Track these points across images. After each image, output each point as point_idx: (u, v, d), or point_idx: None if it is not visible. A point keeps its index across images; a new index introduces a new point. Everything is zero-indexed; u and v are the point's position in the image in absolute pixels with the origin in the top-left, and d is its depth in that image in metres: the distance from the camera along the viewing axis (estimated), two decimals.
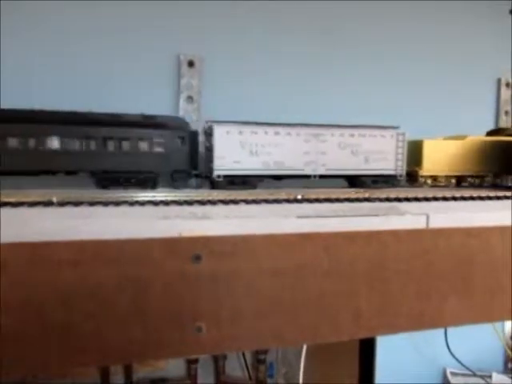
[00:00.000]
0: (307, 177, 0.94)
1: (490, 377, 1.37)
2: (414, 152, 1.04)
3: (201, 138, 0.94)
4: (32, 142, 0.81)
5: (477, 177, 1.07)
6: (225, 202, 0.75)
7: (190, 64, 1.13)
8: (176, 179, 0.90)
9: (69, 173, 0.85)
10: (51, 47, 1.05)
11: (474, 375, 1.35)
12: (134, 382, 1.19)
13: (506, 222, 0.69)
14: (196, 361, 1.20)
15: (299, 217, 0.61)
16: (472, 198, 0.89)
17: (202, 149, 0.95)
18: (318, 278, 0.60)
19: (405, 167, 0.99)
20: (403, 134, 0.98)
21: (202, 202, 0.74)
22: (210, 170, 0.89)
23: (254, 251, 0.58)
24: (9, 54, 1.00)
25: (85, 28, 1.06)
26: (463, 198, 0.88)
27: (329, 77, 1.25)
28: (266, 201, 0.77)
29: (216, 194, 0.80)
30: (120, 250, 0.53)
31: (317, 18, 1.24)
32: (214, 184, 0.91)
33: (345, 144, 0.96)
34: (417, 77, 1.33)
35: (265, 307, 0.59)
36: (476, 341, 1.36)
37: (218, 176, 0.89)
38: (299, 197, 0.81)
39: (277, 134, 0.92)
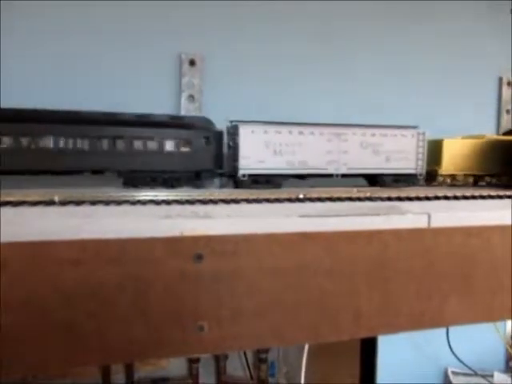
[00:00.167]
0: (329, 176, 0.96)
1: (492, 376, 1.36)
2: (434, 151, 1.05)
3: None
4: (62, 143, 0.82)
5: (493, 176, 1.08)
6: (226, 202, 0.75)
7: (192, 63, 1.13)
8: (202, 179, 0.92)
9: (95, 172, 0.86)
10: (52, 47, 1.05)
11: (476, 375, 1.35)
12: (135, 382, 1.19)
13: (508, 221, 0.69)
14: (197, 360, 1.20)
15: (301, 216, 0.61)
16: (473, 197, 0.89)
17: (224, 148, 0.95)
18: (319, 278, 0.60)
19: (425, 166, 1.00)
20: (423, 134, 1.00)
21: (203, 202, 0.74)
22: (235, 169, 0.90)
23: (255, 250, 0.58)
24: (9, 54, 1.00)
25: (85, 28, 1.06)
26: (465, 197, 0.88)
27: (329, 76, 1.25)
28: (268, 200, 0.77)
29: (217, 194, 0.80)
30: (121, 249, 0.53)
31: (317, 17, 1.24)
32: (237, 183, 0.92)
33: (366, 143, 0.97)
34: (417, 76, 1.33)
35: (266, 306, 0.59)
36: (477, 340, 1.36)
37: (243, 175, 0.90)
38: (301, 196, 0.81)
39: (300, 133, 0.93)
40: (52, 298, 0.51)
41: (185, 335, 0.56)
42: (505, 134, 1.15)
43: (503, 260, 0.69)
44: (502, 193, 0.92)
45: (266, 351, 1.22)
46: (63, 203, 0.68)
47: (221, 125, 0.93)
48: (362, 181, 1.02)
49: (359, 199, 0.82)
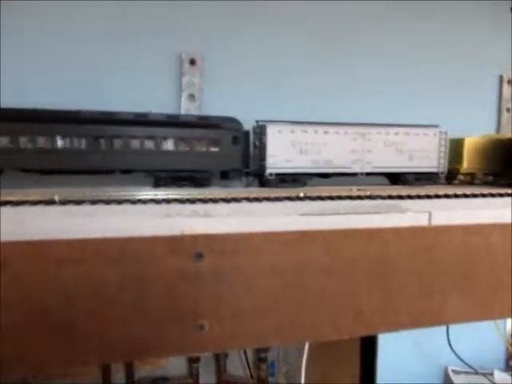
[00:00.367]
0: (354, 175, 0.97)
1: (492, 375, 1.36)
2: (455, 150, 1.06)
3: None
4: (95, 143, 0.85)
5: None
6: (226, 200, 0.75)
7: (192, 62, 1.13)
8: (230, 178, 0.94)
9: (125, 172, 0.88)
10: (52, 47, 1.05)
11: (476, 373, 1.35)
12: (136, 381, 1.19)
13: (508, 220, 0.69)
14: (198, 359, 1.20)
15: (301, 214, 0.61)
16: (474, 196, 0.89)
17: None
18: (319, 276, 0.60)
19: (446, 165, 1.03)
20: (445, 133, 1.02)
21: (203, 200, 0.74)
22: (262, 168, 0.92)
23: (255, 249, 0.58)
24: (9, 54, 1.00)
25: (85, 27, 1.06)
26: (465, 196, 0.88)
27: (329, 75, 1.25)
28: (268, 199, 0.77)
29: (218, 193, 0.80)
30: (122, 248, 0.53)
31: (317, 16, 1.24)
32: (264, 182, 0.94)
33: (389, 142, 0.99)
34: (417, 75, 1.33)
35: (266, 305, 0.59)
36: (478, 339, 1.36)
37: (270, 174, 0.92)
38: (301, 194, 0.81)
39: (326, 133, 0.94)
40: (52, 298, 0.51)
41: (185, 334, 0.56)
42: None
43: (503, 258, 0.69)
44: (502, 191, 0.92)
45: (266, 350, 1.22)
46: (63, 202, 0.68)
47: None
48: (384, 179, 1.04)
49: (359, 198, 0.82)
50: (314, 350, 1.18)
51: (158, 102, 1.06)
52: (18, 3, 1.01)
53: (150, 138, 0.87)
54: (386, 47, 1.30)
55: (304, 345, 1.16)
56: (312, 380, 1.21)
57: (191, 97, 1.14)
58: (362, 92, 1.27)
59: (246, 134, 0.95)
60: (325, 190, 0.85)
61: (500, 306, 0.70)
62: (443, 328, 1.28)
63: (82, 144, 0.84)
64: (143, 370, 1.20)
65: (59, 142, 0.83)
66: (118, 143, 0.85)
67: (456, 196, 0.87)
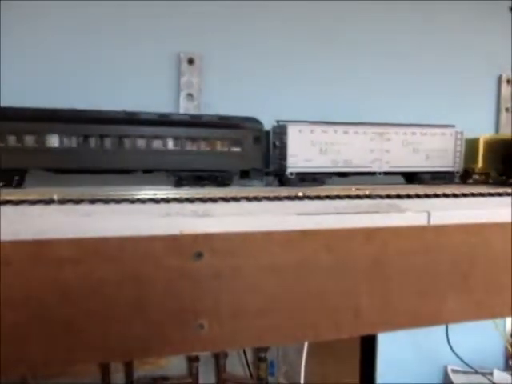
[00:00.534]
0: (372, 174, 0.99)
1: (492, 374, 1.37)
2: (470, 150, 1.07)
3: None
4: (119, 143, 0.86)
5: None
6: (226, 200, 0.75)
7: (190, 62, 1.13)
8: (251, 177, 0.95)
9: (148, 171, 0.90)
10: (50, 46, 1.05)
11: (476, 372, 1.35)
12: (135, 381, 1.19)
13: (507, 219, 0.69)
14: (197, 359, 1.20)
15: (300, 214, 0.61)
16: (473, 195, 0.89)
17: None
18: (318, 275, 0.60)
19: (462, 164, 1.04)
20: (461, 133, 1.04)
21: (203, 200, 0.74)
22: (283, 167, 0.94)
23: (254, 248, 0.58)
24: (9, 54, 1.00)
25: (84, 27, 1.06)
26: (464, 195, 0.88)
27: (329, 75, 1.25)
28: (267, 198, 0.77)
29: (217, 192, 0.80)
30: (121, 247, 0.53)
31: (317, 16, 1.24)
32: (284, 181, 0.95)
33: (407, 142, 1.01)
34: (416, 74, 1.33)
35: (265, 304, 0.59)
36: (477, 338, 1.36)
37: (291, 173, 0.93)
38: (300, 194, 0.81)
39: (345, 132, 0.96)
40: (52, 296, 0.51)
41: (184, 333, 0.56)
42: None
43: (502, 258, 0.69)
44: (501, 190, 0.92)
45: (266, 350, 1.22)
46: (62, 202, 0.68)
47: None
48: (400, 178, 1.06)
49: (358, 197, 0.82)
50: (313, 349, 1.18)
51: (156, 101, 1.06)
52: (18, 3, 1.01)
53: (173, 138, 0.88)
54: (384, 47, 1.30)
55: (303, 344, 1.16)
56: (312, 380, 1.21)
57: (190, 96, 1.14)
58: (362, 92, 1.27)
59: (267, 133, 0.96)
60: (324, 190, 0.85)
61: (499, 306, 0.70)
62: (443, 328, 1.29)
63: (107, 144, 0.85)
64: (142, 370, 1.20)
65: (87, 142, 0.84)
66: (141, 143, 0.87)
67: (455, 196, 0.87)
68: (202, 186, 0.90)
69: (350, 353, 1.26)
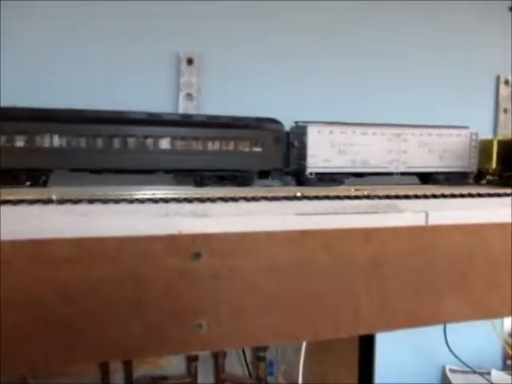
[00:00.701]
0: (389, 174, 1.01)
1: (489, 374, 1.37)
2: (484, 150, 1.08)
3: None
4: (145, 143, 0.88)
5: None
6: (224, 200, 0.75)
7: (189, 62, 1.13)
8: (272, 178, 0.97)
9: (170, 171, 0.92)
10: (51, 46, 1.05)
11: (474, 372, 1.35)
12: (134, 381, 1.19)
13: (506, 220, 0.69)
14: (196, 359, 1.20)
15: (298, 214, 0.62)
16: (471, 196, 0.89)
17: None
18: (316, 275, 0.60)
19: (476, 165, 1.06)
20: (476, 134, 1.06)
21: (201, 200, 0.74)
22: (302, 167, 0.95)
23: (253, 248, 0.58)
24: (9, 54, 1.00)
25: (84, 27, 1.06)
26: (462, 196, 0.88)
27: (328, 74, 1.25)
28: (266, 198, 0.77)
29: (215, 192, 0.80)
30: (120, 247, 0.53)
31: (317, 15, 1.24)
32: (303, 181, 0.97)
33: (423, 143, 1.03)
34: (415, 74, 1.33)
35: (264, 304, 0.59)
36: (475, 338, 1.37)
37: (310, 173, 0.95)
38: (298, 194, 0.81)
39: (363, 133, 0.98)
40: (51, 296, 0.51)
41: (183, 333, 0.56)
42: None
43: (500, 258, 0.69)
44: (500, 191, 0.93)
45: (265, 350, 1.23)
46: (61, 202, 0.68)
47: None
48: (414, 179, 1.08)
49: (357, 197, 0.82)
50: (312, 349, 1.18)
51: (155, 101, 1.06)
52: (18, 3, 1.01)
53: (196, 138, 0.90)
54: (383, 46, 1.30)
55: (301, 344, 1.16)
56: (310, 379, 1.21)
57: (189, 96, 1.14)
58: (361, 91, 1.27)
59: (287, 134, 0.98)
60: (323, 190, 0.85)
61: (497, 306, 0.71)
62: (441, 327, 1.29)
63: (131, 145, 0.87)
64: (142, 370, 1.20)
65: (112, 143, 0.86)
66: (164, 144, 0.88)
67: (453, 196, 0.87)
68: (224, 185, 0.91)
69: (348, 353, 1.26)
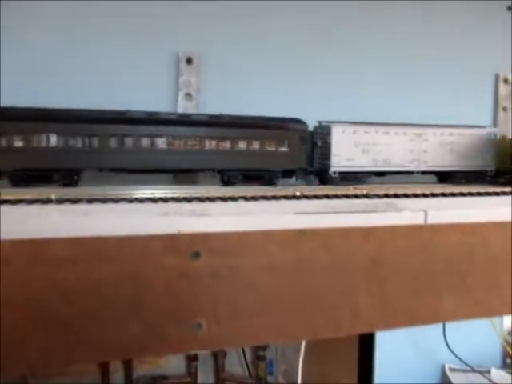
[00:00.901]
0: (409, 173, 1.03)
1: (489, 372, 1.37)
2: (503, 149, 1.09)
3: None
4: (176, 143, 0.90)
5: None
6: (223, 199, 0.75)
7: (189, 61, 1.13)
8: (297, 177, 0.99)
9: (199, 171, 0.95)
10: (50, 46, 1.05)
11: (473, 371, 1.35)
12: (134, 381, 1.19)
13: (505, 218, 0.69)
14: (196, 358, 1.20)
15: (297, 213, 0.62)
16: (471, 194, 0.89)
17: None
18: (316, 274, 0.60)
19: (494, 164, 1.08)
20: (495, 134, 1.08)
21: (200, 199, 0.74)
22: (326, 166, 0.98)
23: (252, 248, 0.58)
24: (8, 54, 1.00)
25: (84, 27, 1.06)
26: (462, 194, 0.88)
27: (328, 74, 1.25)
28: (265, 197, 0.77)
29: (215, 192, 0.80)
30: (119, 246, 0.53)
31: (317, 15, 1.24)
32: (327, 180, 0.99)
33: (444, 142, 1.05)
34: (414, 74, 1.33)
35: (263, 303, 0.59)
36: (475, 337, 1.37)
37: (334, 172, 0.96)
38: (297, 193, 0.81)
39: (386, 133, 1.00)
40: (51, 296, 0.51)
41: (182, 332, 0.56)
42: None
43: (500, 257, 0.69)
44: (499, 189, 0.93)
45: (264, 349, 1.23)
46: (60, 201, 0.68)
47: None
48: (433, 178, 1.10)
49: (356, 196, 0.82)
50: (312, 348, 1.18)
51: (154, 100, 1.06)
52: (18, 3, 1.01)
53: (224, 138, 0.91)
54: (382, 45, 1.30)
55: (301, 343, 1.16)
56: (310, 379, 1.22)
57: (188, 96, 1.14)
58: (361, 91, 1.27)
59: (312, 134, 1.00)
60: (321, 189, 0.85)
61: (496, 305, 0.71)
62: (440, 326, 1.29)
63: (160, 144, 0.89)
64: (142, 369, 1.20)
65: (143, 143, 0.88)
66: (193, 143, 0.90)
67: (452, 195, 0.87)
68: (251, 185, 0.93)
69: (348, 352, 1.26)
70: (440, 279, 0.67)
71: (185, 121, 0.92)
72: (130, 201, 0.71)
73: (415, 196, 0.84)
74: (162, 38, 1.12)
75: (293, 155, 0.96)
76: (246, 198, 0.76)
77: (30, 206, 0.65)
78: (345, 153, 0.98)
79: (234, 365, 1.28)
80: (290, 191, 0.82)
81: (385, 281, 0.64)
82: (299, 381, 1.19)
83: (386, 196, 0.83)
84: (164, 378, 1.21)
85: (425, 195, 0.85)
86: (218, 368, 1.24)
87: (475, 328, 1.29)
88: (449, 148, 1.05)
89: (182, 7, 1.12)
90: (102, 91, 1.04)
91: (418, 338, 1.37)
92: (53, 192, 0.71)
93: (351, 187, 0.91)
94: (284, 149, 0.96)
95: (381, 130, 1.00)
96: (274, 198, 0.78)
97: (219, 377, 1.24)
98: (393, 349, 1.32)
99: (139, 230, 0.54)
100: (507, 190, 0.92)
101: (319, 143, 0.99)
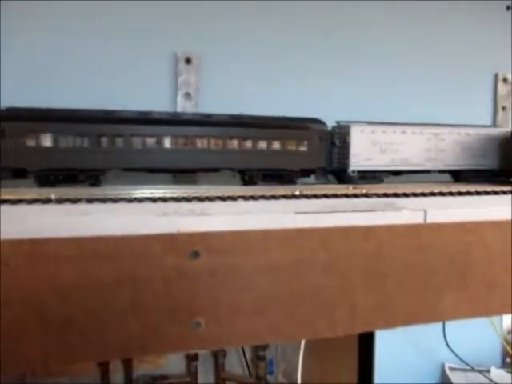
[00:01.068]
0: (427, 172, 1.05)
1: (489, 371, 1.37)
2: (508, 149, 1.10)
3: None
4: (199, 143, 0.91)
5: None
6: (223, 199, 0.75)
7: (188, 61, 1.14)
8: (316, 176, 1.00)
9: (218, 170, 0.95)
10: (50, 46, 1.05)
11: (473, 370, 1.36)
12: (134, 380, 1.19)
13: (504, 217, 0.70)
14: (196, 358, 1.20)
15: (296, 213, 0.62)
16: (469, 193, 0.89)
17: None
18: (315, 274, 0.61)
19: (506, 163, 1.08)
20: (509, 133, 1.09)
21: (200, 199, 0.74)
22: (345, 166, 0.99)
23: (251, 247, 0.58)
24: (8, 55, 1.00)
25: (83, 26, 1.06)
26: (460, 194, 0.88)
27: (327, 74, 1.25)
28: (264, 197, 0.78)
29: (214, 191, 0.80)
30: (118, 246, 0.53)
31: (316, 15, 1.24)
32: (344, 179, 1.00)
33: (459, 142, 1.06)
34: (413, 73, 1.33)
35: (262, 302, 0.59)
36: (474, 336, 1.37)
37: (353, 171, 0.97)
38: (297, 193, 0.81)
39: (403, 133, 1.01)
40: (50, 295, 0.51)
41: (182, 331, 0.56)
42: None
43: (499, 256, 0.70)
44: (498, 189, 0.93)
45: (264, 348, 1.23)
46: (59, 201, 0.68)
47: None
48: (447, 177, 1.11)
49: (355, 196, 0.82)
50: (312, 348, 1.19)
51: (153, 100, 1.06)
52: (18, 3, 1.01)
53: (247, 138, 0.92)
54: (382, 47, 1.30)
55: (300, 342, 1.16)
56: (310, 378, 1.22)
57: (187, 95, 1.14)
58: (360, 91, 1.27)
59: (330, 133, 1.00)
60: (320, 189, 0.85)
61: (495, 304, 0.71)
62: (439, 325, 1.29)
63: (181, 144, 0.90)
64: (142, 369, 1.20)
65: (165, 143, 0.89)
66: (215, 143, 0.91)
67: (451, 194, 0.88)
68: (271, 184, 0.94)
69: (348, 351, 1.26)
70: (439, 278, 0.67)
71: (206, 121, 0.93)
72: (130, 201, 0.71)
73: (414, 195, 0.84)
74: (161, 37, 1.12)
75: (312, 155, 0.97)
76: (245, 198, 0.76)
77: (29, 206, 0.65)
78: (363, 152, 0.99)
79: (234, 364, 1.28)
80: (289, 190, 0.82)
81: (384, 280, 0.64)
82: (299, 380, 1.19)
83: (386, 195, 0.83)
84: (164, 377, 1.21)
85: (424, 194, 0.85)
86: (218, 367, 1.24)
87: (475, 327, 1.29)
88: (462, 147, 1.07)
89: (180, 7, 1.12)
90: (101, 91, 1.04)
91: (418, 337, 1.37)
92: (52, 192, 0.71)
93: (350, 186, 0.92)
94: (304, 148, 0.97)
95: (398, 129, 1.01)
96: (274, 197, 0.78)
97: (219, 376, 1.24)
98: (393, 348, 1.32)
99: (138, 230, 0.54)
100: (506, 189, 0.93)
101: (337, 143, 1.00)
